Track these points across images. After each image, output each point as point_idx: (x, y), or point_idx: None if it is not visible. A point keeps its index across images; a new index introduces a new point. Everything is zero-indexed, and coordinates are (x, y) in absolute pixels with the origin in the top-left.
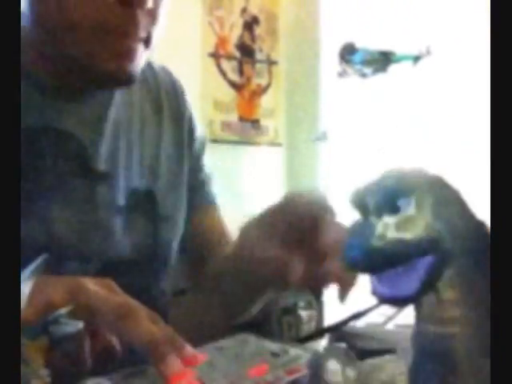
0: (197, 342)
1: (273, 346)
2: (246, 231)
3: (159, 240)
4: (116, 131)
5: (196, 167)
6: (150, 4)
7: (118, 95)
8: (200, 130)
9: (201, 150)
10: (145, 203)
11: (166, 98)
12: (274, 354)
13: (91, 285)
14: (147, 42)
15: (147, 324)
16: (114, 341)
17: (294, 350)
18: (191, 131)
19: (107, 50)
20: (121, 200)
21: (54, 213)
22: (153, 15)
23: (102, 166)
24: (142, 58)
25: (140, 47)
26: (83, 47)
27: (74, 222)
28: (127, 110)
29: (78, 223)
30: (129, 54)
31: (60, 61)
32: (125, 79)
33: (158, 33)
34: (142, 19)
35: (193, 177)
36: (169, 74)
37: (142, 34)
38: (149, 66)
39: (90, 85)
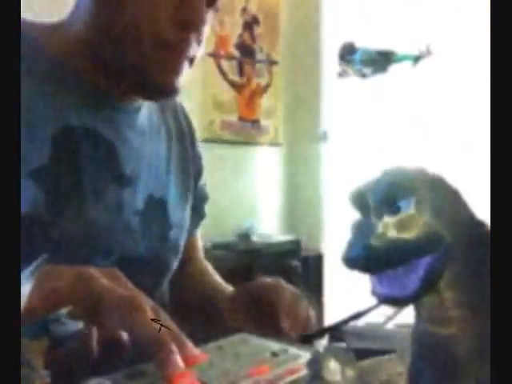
0: (196, 342)
1: (272, 345)
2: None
3: (167, 244)
4: (140, 141)
5: (199, 186)
6: (203, 28)
7: (142, 110)
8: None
9: (201, 164)
10: (158, 210)
11: (170, 116)
12: (274, 354)
13: (97, 273)
14: (191, 60)
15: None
16: (121, 334)
17: (293, 350)
18: (195, 148)
19: (163, 63)
20: (140, 204)
21: (87, 207)
22: (200, 39)
23: (129, 170)
24: (184, 75)
25: (187, 65)
26: (144, 58)
27: (103, 218)
28: (149, 124)
29: (106, 222)
30: (178, 70)
31: (116, 67)
32: (171, 91)
33: (201, 53)
34: (193, 41)
35: (196, 196)
36: (179, 102)
37: (191, 53)
38: None
39: (139, 94)
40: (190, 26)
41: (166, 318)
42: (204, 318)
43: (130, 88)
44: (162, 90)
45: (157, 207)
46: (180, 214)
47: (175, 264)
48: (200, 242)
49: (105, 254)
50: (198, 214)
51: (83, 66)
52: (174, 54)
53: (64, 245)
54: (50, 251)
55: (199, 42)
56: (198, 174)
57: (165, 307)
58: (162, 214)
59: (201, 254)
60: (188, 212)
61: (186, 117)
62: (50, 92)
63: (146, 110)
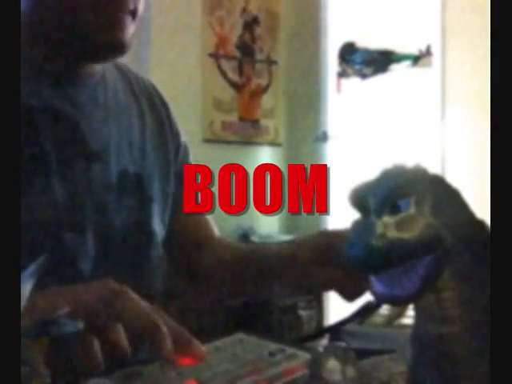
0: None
1: (270, 345)
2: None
3: (146, 218)
4: (106, 116)
5: (179, 160)
6: None
7: (104, 85)
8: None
9: (180, 138)
10: (134, 184)
11: (141, 94)
12: (271, 354)
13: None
14: (134, 13)
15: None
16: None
17: (290, 350)
18: (171, 124)
19: (101, 21)
20: (113, 179)
21: (54, 187)
22: None
23: (94, 145)
24: (130, 29)
25: (129, 18)
26: (81, 19)
27: (72, 195)
28: (114, 99)
29: (75, 197)
30: (120, 25)
31: (58, 36)
32: (117, 47)
33: (142, 5)
34: None
35: (179, 171)
36: (136, 73)
37: (131, 6)
38: (128, 68)
39: (87, 57)
40: None
41: (167, 319)
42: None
43: (80, 54)
44: (108, 47)
45: (132, 182)
46: (159, 188)
47: (159, 242)
48: (211, 222)
49: (77, 231)
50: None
51: (36, 46)
52: (112, 9)
53: (32, 225)
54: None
55: None
56: (177, 147)
57: (156, 288)
58: (139, 189)
59: (214, 235)
60: (171, 185)
61: (157, 93)
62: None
63: (110, 85)
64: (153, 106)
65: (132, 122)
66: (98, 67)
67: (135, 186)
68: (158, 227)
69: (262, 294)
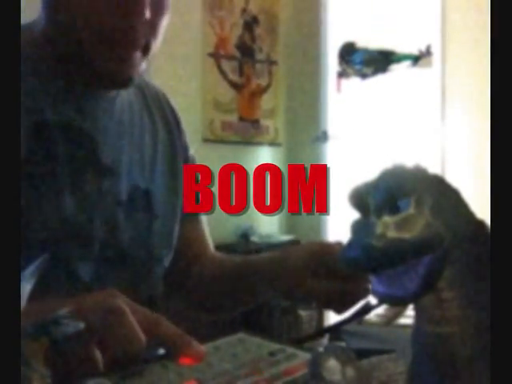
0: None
1: (270, 345)
2: (286, 257)
3: (153, 235)
4: (120, 131)
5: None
6: (147, 15)
7: (121, 99)
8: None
9: (192, 159)
10: (143, 201)
11: (154, 106)
12: (271, 354)
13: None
14: (146, 49)
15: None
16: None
17: (290, 350)
18: (181, 136)
19: (109, 53)
20: (123, 194)
21: (65, 199)
22: (152, 27)
23: (108, 160)
24: (140, 62)
25: (138, 54)
26: (90, 48)
27: (82, 209)
28: (129, 114)
29: (85, 211)
30: (127, 59)
31: (69, 59)
32: (122, 80)
33: (157, 42)
34: (141, 30)
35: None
36: (152, 85)
37: (141, 42)
38: (146, 84)
39: (96, 84)
40: (130, 12)
41: (166, 323)
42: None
43: (89, 79)
44: (112, 79)
45: (141, 198)
46: (167, 204)
47: (167, 255)
48: (204, 227)
49: (84, 245)
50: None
51: (52, 62)
52: (119, 43)
53: (42, 234)
54: (27, 245)
55: (152, 29)
56: (185, 161)
57: (155, 301)
58: (147, 205)
59: (207, 251)
60: (179, 202)
61: (170, 106)
62: (23, 88)
63: (125, 99)
64: (164, 118)
65: (145, 137)
66: None
67: (144, 203)
68: (163, 245)
69: (254, 303)
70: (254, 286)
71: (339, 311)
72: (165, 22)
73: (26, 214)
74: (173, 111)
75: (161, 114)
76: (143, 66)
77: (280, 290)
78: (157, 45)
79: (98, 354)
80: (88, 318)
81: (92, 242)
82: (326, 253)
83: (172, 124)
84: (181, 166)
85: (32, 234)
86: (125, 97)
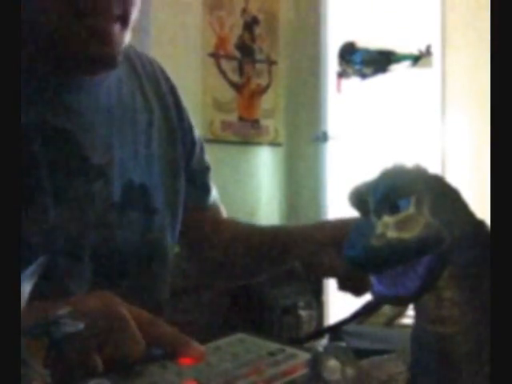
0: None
1: (270, 345)
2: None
3: (152, 231)
4: (109, 125)
5: (194, 161)
6: None
7: (106, 85)
8: (190, 120)
9: (193, 132)
10: (138, 197)
11: (150, 88)
12: (271, 354)
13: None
14: (124, 20)
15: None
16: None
17: (290, 350)
18: (182, 117)
19: (84, 32)
20: (116, 195)
21: (50, 209)
22: None
23: (96, 161)
24: (120, 38)
25: (116, 27)
26: (59, 31)
27: (70, 218)
28: (119, 100)
29: (73, 219)
30: (105, 35)
31: (43, 50)
32: (105, 61)
33: (135, 11)
34: (115, 1)
35: (192, 172)
36: (146, 57)
37: (116, 11)
38: (138, 55)
39: (79, 70)
40: None
41: (164, 325)
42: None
43: (70, 67)
44: (93, 61)
45: (137, 194)
46: (165, 197)
47: (169, 257)
48: (221, 211)
49: (75, 254)
50: (200, 186)
51: (26, 57)
52: (93, 19)
53: (27, 248)
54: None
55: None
56: (191, 145)
57: (161, 307)
58: (144, 201)
59: (225, 218)
60: (180, 192)
61: (168, 81)
62: None
63: (112, 82)
64: (161, 97)
65: (137, 124)
66: None
67: (140, 199)
68: (166, 239)
69: (275, 269)
70: (277, 253)
71: (358, 293)
72: None
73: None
74: (171, 88)
75: (157, 92)
76: (126, 40)
77: (304, 262)
78: (135, 13)
79: (97, 358)
80: (88, 322)
81: (82, 253)
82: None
83: (170, 104)
84: (180, 152)
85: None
86: (112, 79)
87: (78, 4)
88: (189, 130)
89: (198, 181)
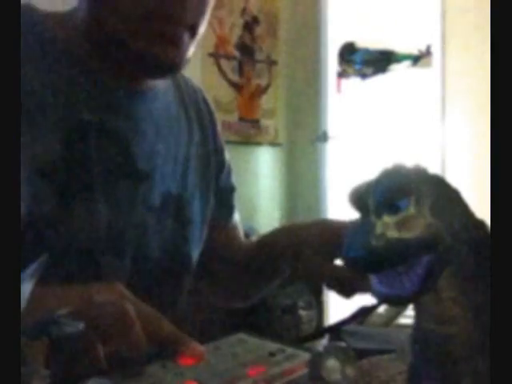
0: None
1: (270, 345)
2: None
3: (184, 241)
4: (157, 133)
5: (221, 179)
6: None
7: (159, 97)
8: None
9: (224, 153)
10: (175, 206)
11: (191, 106)
12: (271, 354)
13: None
14: (193, 30)
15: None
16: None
17: (290, 350)
18: (215, 136)
19: (153, 33)
20: (156, 200)
21: (98, 207)
22: (201, 3)
23: (143, 164)
24: (188, 46)
25: (185, 35)
26: (131, 30)
27: (115, 218)
28: (166, 113)
29: (118, 220)
30: (174, 39)
31: (109, 48)
32: (170, 64)
33: (204, 24)
34: (190, 6)
35: (219, 190)
36: (188, 79)
37: (189, 21)
38: (181, 76)
39: (142, 73)
40: None
41: (165, 322)
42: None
43: (133, 68)
44: (159, 64)
45: (174, 203)
46: (198, 210)
47: (193, 264)
48: (240, 232)
49: (116, 254)
50: (224, 205)
51: (92, 55)
52: (165, 21)
53: (72, 245)
54: (58, 252)
55: (201, 7)
56: (221, 165)
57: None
58: (179, 211)
59: (242, 240)
60: (209, 207)
61: (206, 104)
62: (61, 84)
63: (163, 99)
64: (200, 118)
65: (180, 140)
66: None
67: (176, 208)
68: (195, 251)
69: (275, 282)
70: (272, 264)
71: (347, 295)
72: (213, 1)
73: (58, 222)
74: (209, 110)
75: (197, 113)
76: (191, 51)
77: (292, 268)
78: (204, 26)
79: (101, 349)
80: (94, 317)
81: (124, 253)
82: (336, 233)
83: (207, 125)
84: (212, 169)
85: (64, 243)
86: (162, 93)
87: (147, 7)
88: (220, 151)
89: (224, 199)
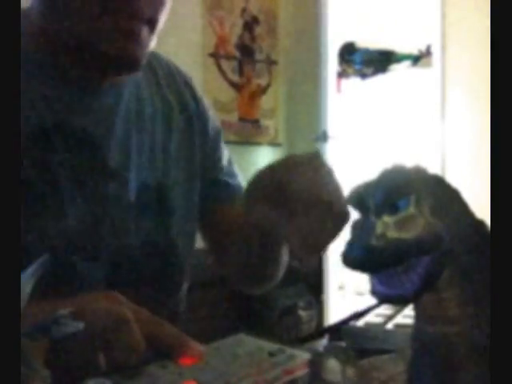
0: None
1: (269, 345)
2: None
3: (167, 233)
4: (127, 125)
5: (213, 158)
6: None
7: (128, 89)
8: (214, 119)
9: (216, 139)
10: (154, 197)
11: (170, 91)
12: (271, 354)
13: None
14: (152, 23)
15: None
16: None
17: (290, 350)
18: (202, 120)
19: (111, 29)
20: (132, 196)
21: (66, 209)
22: None
23: (114, 162)
24: (147, 41)
25: (144, 29)
26: (89, 25)
27: (86, 219)
28: (138, 104)
29: (89, 220)
30: (133, 35)
31: (73, 46)
32: (130, 61)
33: (164, 16)
34: (146, 0)
35: (212, 169)
36: (165, 60)
37: (146, 15)
38: (155, 57)
39: (98, 70)
40: None
41: (164, 324)
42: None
43: (93, 66)
44: (118, 61)
45: (153, 195)
46: (184, 198)
47: (186, 248)
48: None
49: (91, 255)
50: (225, 186)
51: (51, 54)
52: (123, 16)
53: (42, 251)
54: (27, 258)
55: (156, 2)
56: (214, 144)
57: (177, 314)
58: (160, 201)
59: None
60: (196, 193)
61: (188, 84)
62: (23, 86)
63: (133, 91)
64: (181, 99)
65: (155, 126)
66: None
67: (156, 199)
68: (182, 241)
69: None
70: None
71: (308, 255)
72: None
73: (27, 228)
74: (193, 94)
75: (177, 96)
76: (151, 45)
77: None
78: (163, 20)
79: (101, 357)
80: (91, 322)
81: (100, 254)
82: (277, 172)
83: (191, 109)
84: (198, 155)
85: (34, 249)
86: (133, 86)
87: (104, 3)
88: (210, 132)
89: (219, 182)
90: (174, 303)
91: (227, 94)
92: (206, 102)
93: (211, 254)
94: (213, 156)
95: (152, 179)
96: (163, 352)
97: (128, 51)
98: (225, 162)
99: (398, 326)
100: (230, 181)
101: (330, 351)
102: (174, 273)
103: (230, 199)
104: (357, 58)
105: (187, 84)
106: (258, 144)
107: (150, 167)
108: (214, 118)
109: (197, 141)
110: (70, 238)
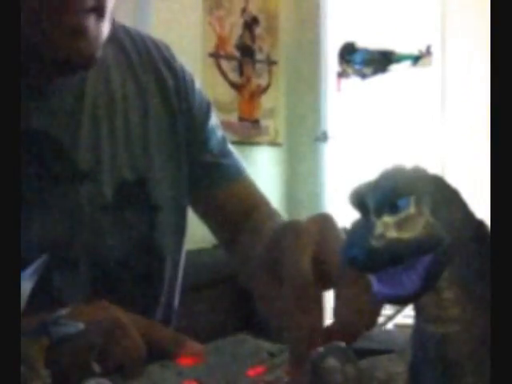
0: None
1: (270, 346)
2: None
3: (151, 230)
4: (95, 120)
5: (201, 137)
6: None
7: (92, 79)
8: (200, 92)
9: (203, 114)
10: (135, 195)
11: (145, 71)
12: (272, 354)
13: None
14: (99, 10)
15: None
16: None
17: None
18: (184, 96)
19: (53, 27)
20: (108, 197)
21: (35, 221)
22: None
23: (82, 163)
24: (98, 32)
25: (91, 19)
26: (29, 25)
27: (58, 228)
28: (106, 94)
29: (62, 229)
30: (79, 31)
31: (25, 49)
32: (81, 60)
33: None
34: None
35: (202, 152)
36: (139, 35)
37: (90, 2)
38: (128, 34)
39: (48, 74)
40: None
41: (160, 328)
42: None
43: (42, 71)
44: (68, 61)
45: (133, 192)
46: (172, 189)
47: (174, 246)
48: (253, 186)
49: (67, 267)
50: (217, 168)
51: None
52: (63, 11)
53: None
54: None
55: None
56: (201, 120)
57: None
58: (143, 198)
59: (261, 198)
60: (184, 183)
61: (168, 61)
62: None
63: (98, 84)
64: (159, 80)
65: (131, 119)
66: None
67: (138, 197)
68: (169, 238)
69: None
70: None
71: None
72: None
73: None
74: (169, 63)
75: (153, 74)
76: (104, 33)
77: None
78: (112, 2)
79: (96, 366)
80: (89, 331)
81: (76, 263)
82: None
83: (170, 86)
84: (183, 138)
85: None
86: (97, 79)
87: (47, 0)
88: (197, 108)
89: (217, 163)
90: (165, 301)
91: (227, 94)
92: (189, 73)
93: (219, 244)
94: (200, 135)
95: (131, 173)
96: (162, 353)
97: (77, 51)
98: (216, 140)
99: (398, 326)
100: (223, 161)
101: (329, 351)
102: (160, 272)
103: (225, 181)
104: (357, 57)
105: (165, 58)
106: (258, 144)
107: (128, 159)
108: (200, 90)
109: (179, 122)
110: (42, 246)
